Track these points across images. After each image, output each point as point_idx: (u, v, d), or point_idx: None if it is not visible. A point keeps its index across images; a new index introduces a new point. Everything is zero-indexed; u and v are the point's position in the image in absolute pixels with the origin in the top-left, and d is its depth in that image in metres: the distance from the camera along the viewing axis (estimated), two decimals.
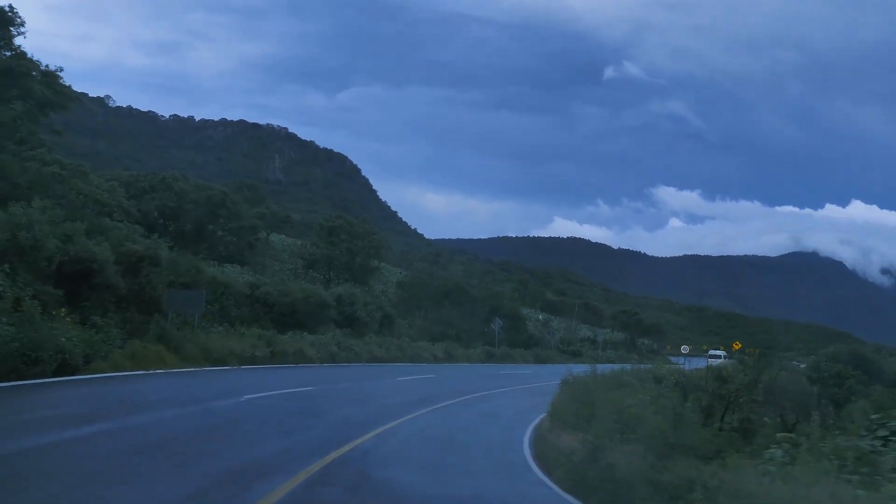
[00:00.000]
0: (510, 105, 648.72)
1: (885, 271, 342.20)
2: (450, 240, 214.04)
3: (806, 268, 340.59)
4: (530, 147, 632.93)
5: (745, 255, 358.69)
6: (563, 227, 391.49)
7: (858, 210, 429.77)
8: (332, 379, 23.12)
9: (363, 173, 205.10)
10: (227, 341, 23.00)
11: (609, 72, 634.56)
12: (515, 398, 23.62)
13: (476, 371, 37.09)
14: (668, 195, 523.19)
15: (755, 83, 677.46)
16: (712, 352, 68.38)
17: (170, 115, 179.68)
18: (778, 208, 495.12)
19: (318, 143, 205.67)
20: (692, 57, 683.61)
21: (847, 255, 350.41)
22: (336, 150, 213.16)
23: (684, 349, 63.67)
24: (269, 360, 24.21)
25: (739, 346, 57.33)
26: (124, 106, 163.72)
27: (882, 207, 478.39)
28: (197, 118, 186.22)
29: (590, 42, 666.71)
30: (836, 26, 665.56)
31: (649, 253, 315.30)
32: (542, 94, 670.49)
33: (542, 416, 16.45)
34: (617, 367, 25.06)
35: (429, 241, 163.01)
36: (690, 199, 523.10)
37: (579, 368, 19.76)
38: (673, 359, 63.52)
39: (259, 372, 22.47)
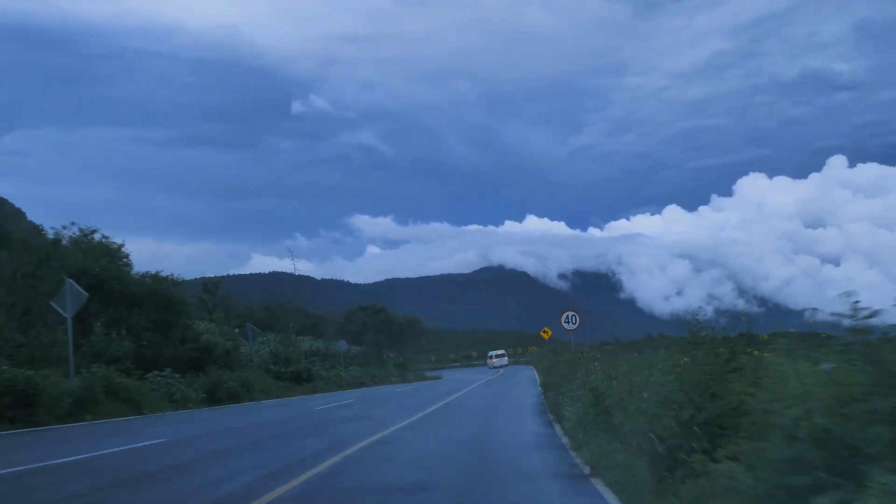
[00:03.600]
0: (200, 142, 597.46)
1: (561, 276, 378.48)
2: None
3: (497, 280, 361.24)
4: (224, 184, 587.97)
5: (442, 275, 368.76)
6: (262, 262, 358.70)
7: (533, 223, 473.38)
8: None
9: (29, 217, 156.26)
10: None
11: (297, 106, 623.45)
12: None
13: None
14: (364, 223, 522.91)
15: (439, 112, 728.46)
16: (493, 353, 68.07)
17: None
18: (465, 227, 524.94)
19: None
20: (379, 89, 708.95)
21: (529, 264, 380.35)
22: None
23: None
24: None
25: (549, 333, 44.26)
26: None
27: (552, 220, 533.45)
28: None
29: (277, 77, 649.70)
30: (505, 59, 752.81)
31: (352, 280, 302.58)
32: (234, 130, 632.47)
33: None
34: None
35: None
36: (385, 224, 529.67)
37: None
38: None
39: None
